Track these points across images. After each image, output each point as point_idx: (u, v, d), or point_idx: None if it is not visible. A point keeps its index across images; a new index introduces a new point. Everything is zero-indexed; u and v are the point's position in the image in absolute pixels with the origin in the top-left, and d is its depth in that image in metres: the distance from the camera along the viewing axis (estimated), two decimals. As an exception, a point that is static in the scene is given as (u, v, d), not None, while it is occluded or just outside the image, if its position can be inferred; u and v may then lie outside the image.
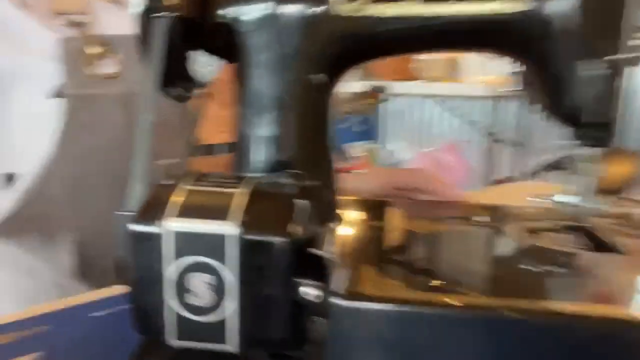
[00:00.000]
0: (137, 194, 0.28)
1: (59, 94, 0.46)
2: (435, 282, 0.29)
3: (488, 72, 2.09)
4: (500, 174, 2.20)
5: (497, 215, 0.42)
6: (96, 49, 0.47)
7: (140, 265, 0.26)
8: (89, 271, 0.52)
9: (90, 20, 0.49)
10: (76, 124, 0.46)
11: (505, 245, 0.37)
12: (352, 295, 0.27)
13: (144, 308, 0.26)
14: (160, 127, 0.51)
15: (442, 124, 2.59)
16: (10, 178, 0.49)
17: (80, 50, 0.46)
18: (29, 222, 0.49)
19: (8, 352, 0.32)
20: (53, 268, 0.52)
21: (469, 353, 0.26)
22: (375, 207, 0.43)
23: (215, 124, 0.53)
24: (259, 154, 0.33)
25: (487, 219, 0.41)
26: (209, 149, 0.56)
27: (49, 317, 0.37)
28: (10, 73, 0.46)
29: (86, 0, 0.50)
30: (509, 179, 2.06)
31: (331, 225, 0.36)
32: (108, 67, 0.48)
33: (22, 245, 0.51)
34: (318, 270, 0.27)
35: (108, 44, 0.48)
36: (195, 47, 0.33)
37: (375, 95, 2.42)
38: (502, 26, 0.31)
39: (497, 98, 2.15)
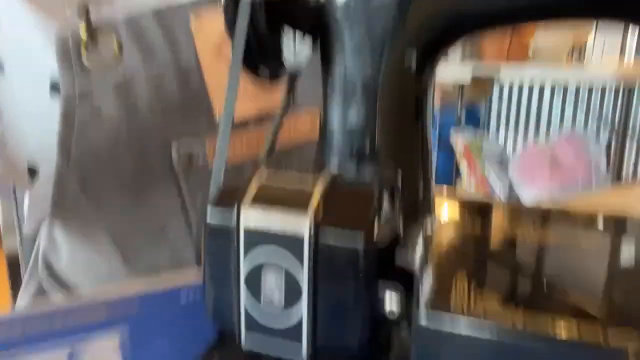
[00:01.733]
0: (218, 186, 0.27)
1: (57, 88, 0.45)
2: (543, 305, 0.24)
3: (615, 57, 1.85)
4: (627, 175, 1.96)
5: (624, 224, 0.35)
6: (95, 36, 0.43)
7: (212, 259, 0.25)
8: (131, 262, 0.51)
9: (93, 7, 0.44)
10: (75, 119, 0.45)
11: (635, 265, 0.31)
12: (439, 310, 0.23)
13: (214, 302, 0.25)
14: (175, 104, 0.46)
15: (559, 115, 2.37)
16: (33, 172, 0.49)
17: (76, 40, 0.44)
18: (71, 212, 0.49)
19: (92, 332, 0.33)
20: (106, 254, 0.52)
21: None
22: (477, 207, 0.39)
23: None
24: (345, 145, 0.31)
25: (611, 228, 0.34)
26: (238, 125, 0.49)
27: (137, 298, 0.38)
28: (13, 68, 0.46)
29: None
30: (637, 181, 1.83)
31: (422, 227, 0.33)
32: (106, 53, 0.44)
33: (80, 231, 0.51)
34: (402, 276, 0.24)
35: (107, 29, 0.44)
36: (282, 30, 0.31)
37: (484, 83, 2.25)
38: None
39: (627, 88, 1.90)
